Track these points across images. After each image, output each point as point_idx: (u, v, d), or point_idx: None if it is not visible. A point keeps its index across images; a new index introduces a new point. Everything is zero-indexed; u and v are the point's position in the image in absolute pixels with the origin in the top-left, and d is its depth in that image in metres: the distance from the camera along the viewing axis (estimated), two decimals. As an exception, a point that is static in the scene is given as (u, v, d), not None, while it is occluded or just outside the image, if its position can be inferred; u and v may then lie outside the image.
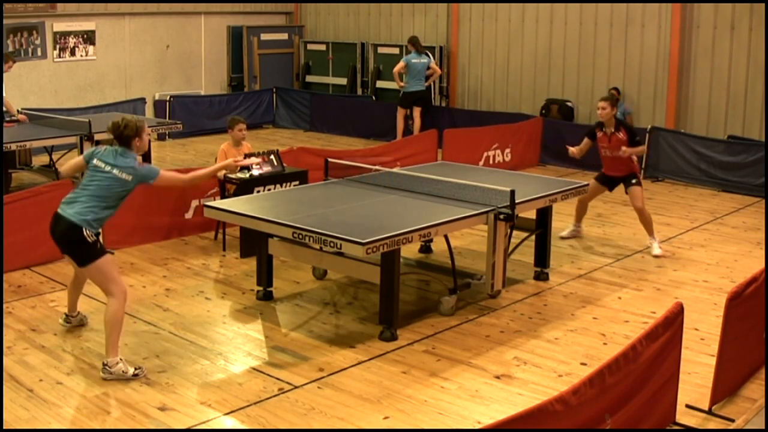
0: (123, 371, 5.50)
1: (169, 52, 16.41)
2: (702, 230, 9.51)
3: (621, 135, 8.50)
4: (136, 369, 5.57)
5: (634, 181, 8.60)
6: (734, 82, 12.54)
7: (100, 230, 5.71)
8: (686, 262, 8.28)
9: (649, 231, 8.60)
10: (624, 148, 8.43)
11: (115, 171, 5.61)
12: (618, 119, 8.65)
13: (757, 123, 12.34)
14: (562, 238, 8.96)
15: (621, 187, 8.79)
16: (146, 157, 11.24)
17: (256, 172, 8.29)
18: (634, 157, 8.68)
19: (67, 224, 5.53)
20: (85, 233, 5.52)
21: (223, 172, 8.48)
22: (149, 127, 11.12)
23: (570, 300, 7.20)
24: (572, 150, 8.93)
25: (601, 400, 4.05)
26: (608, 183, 8.88)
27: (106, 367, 5.51)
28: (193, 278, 7.66)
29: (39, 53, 14.41)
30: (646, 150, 11.71)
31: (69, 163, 6.18)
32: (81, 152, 10.21)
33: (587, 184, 7.98)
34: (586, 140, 8.90)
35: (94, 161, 5.71)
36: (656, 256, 8.39)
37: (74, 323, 6.36)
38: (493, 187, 6.92)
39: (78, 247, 5.56)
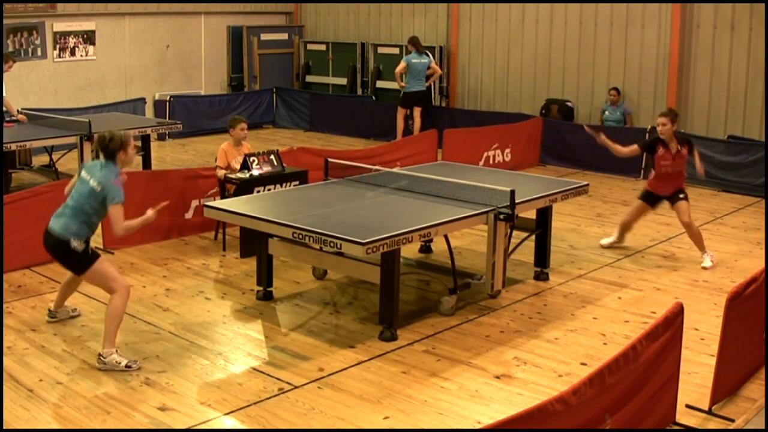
0: (117, 362, 5.63)
1: (169, 52, 16.41)
2: (702, 230, 9.46)
3: (685, 151, 8.19)
4: (129, 361, 5.68)
5: (681, 195, 8.22)
6: (734, 82, 12.54)
7: (89, 236, 5.79)
8: (686, 262, 8.27)
9: (700, 246, 8.21)
10: (698, 164, 8.30)
11: (92, 182, 5.69)
12: (678, 134, 8.30)
13: (757, 123, 12.33)
14: (603, 246, 8.76)
15: (622, 187, 8.75)
16: (146, 158, 11.30)
17: (256, 172, 8.29)
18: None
19: (54, 240, 5.70)
20: (72, 245, 5.65)
21: (223, 171, 8.50)
22: (149, 127, 11.24)
23: (570, 300, 7.20)
24: (608, 142, 8.44)
25: (601, 400, 4.05)
26: (655, 201, 8.49)
27: (101, 357, 5.66)
28: (193, 278, 7.66)
29: (39, 53, 14.41)
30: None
31: (71, 182, 6.20)
32: (81, 152, 10.23)
33: (587, 184, 7.96)
34: (635, 148, 8.47)
35: (82, 173, 5.84)
36: (705, 268, 8.06)
37: (60, 317, 6.44)
38: (493, 187, 6.92)
39: (69, 259, 5.74)
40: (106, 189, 5.63)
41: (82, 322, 6.49)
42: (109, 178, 5.65)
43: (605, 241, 8.87)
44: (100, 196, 5.64)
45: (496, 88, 15.38)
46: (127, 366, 5.63)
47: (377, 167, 8.34)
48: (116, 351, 5.68)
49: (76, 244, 5.65)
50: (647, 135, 12.20)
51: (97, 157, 5.89)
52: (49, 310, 6.49)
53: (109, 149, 5.72)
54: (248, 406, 5.20)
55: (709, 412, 5.10)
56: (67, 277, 6.29)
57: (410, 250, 8.17)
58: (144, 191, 8.69)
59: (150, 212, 5.84)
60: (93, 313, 6.60)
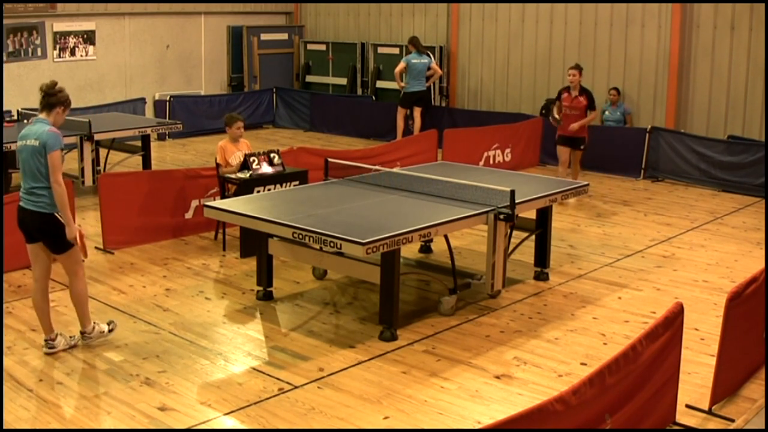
0: (101, 332, 5.94)
1: (169, 52, 16.41)
2: (702, 230, 9.51)
3: (582, 98, 10.51)
4: (109, 324, 6.02)
5: (582, 147, 10.69)
6: (734, 82, 12.54)
7: None
8: (686, 262, 8.28)
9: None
10: (577, 122, 10.51)
11: (30, 141, 5.57)
12: (582, 87, 10.69)
13: (757, 123, 12.33)
14: None
15: (622, 187, 8.76)
16: (146, 158, 11.30)
17: (267, 168, 8.30)
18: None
19: (36, 216, 5.61)
20: (58, 218, 5.62)
21: (222, 169, 8.50)
22: (149, 127, 11.24)
23: (570, 300, 7.21)
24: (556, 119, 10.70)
25: (601, 400, 4.05)
26: (565, 141, 10.73)
27: (86, 335, 5.87)
28: (193, 278, 7.66)
29: (39, 53, 14.41)
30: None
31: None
32: (81, 152, 10.23)
33: (587, 184, 7.96)
34: (556, 104, 10.88)
35: (18, 142, 5.71)
36: None
37: (58, 347, 5.87)
38: (493, 187, 6.92)
39: (55, 233, 5.65)
40: (43, 139, 5.50)
41: (82, 322, 6.49)
42: (44, 129, 5.54)
43: None
44: (41, 149, 5.50)
45: (496, 88, 15.38)
46: (110, 330, 6.00)
47: (377, 167, 8.34)
48: (94, 323, 5.94)
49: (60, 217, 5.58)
50: (647, 135, 12.26)
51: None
52: (45, 340, 5.89)
53: (54, 99, 5.63)
54: (248, 406, 5.20)
55: (709, 412, 5.10)
56: (35, 294, 5.87)
57: (410, 250, 8.17)
58: (144, 191, 8.71)
59: (78, 234, 5.67)
60: (93, 313, 6.57)
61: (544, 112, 14.11)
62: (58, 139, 5.53)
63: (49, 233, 5.68)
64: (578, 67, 10.70)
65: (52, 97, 5.65)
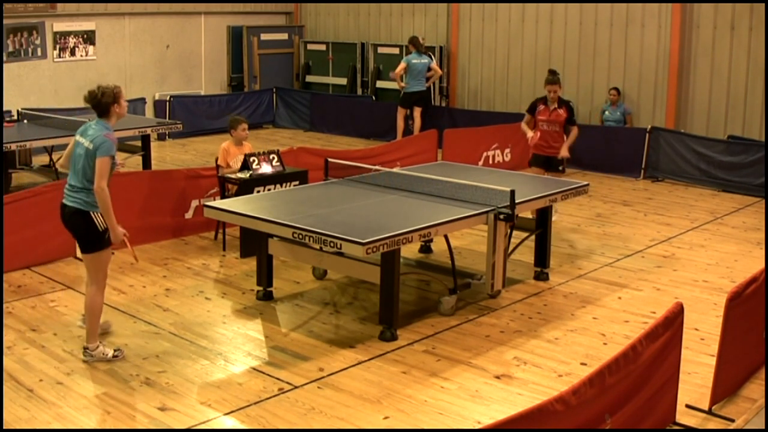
0: (103, 353, 5.72)
1: (169, 52, 16.41)
2: (702, 230, 9.51)
3: (562, 111, 9.19)
4: (115, 351, 5.78)
5: (560, 168, 9.27)
6: (734, 82, 12.54)
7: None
8: (686, 262, 8.28)
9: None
10: (565, 145, 9.22)
11: (86, 142, 5.60)
12: (561, 99, 9.34)
13: (757, 123, 12.33)
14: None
15: (622, 187, 8.75)
16: (146, 158, 11.29)
17: (267, 168, 8.30)
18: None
19: (71, 210, 5.64)
20: (93, 217, 5.60)
21: (223, 170, 8.50)
22: (149, 127, 11.24)
23: (570, 300, 7.21)
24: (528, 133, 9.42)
25: (601, 400, 4.05)
26: (540, 161, 9.43)
27: (88, 351, 5.73)
28: (193, 278, 7.66)
29: (39, 53, 14.41)
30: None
31: (64, 153, 6.09)
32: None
33: (587, 184, 7.96)
34: (527, 117, 9.55)
35: (76, 137, 5.75)
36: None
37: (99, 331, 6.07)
38: (493, 187, 6.92)
39: (87, 232, 5.64)
40: (96, 143, 5.51)
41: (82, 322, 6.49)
42: (101, 133, 5.56)
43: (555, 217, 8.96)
44: (93, 153, 5.52)
45: (496, 88, 15.39)
46: (114, 356, 5.74)
47: (377, 167, 8.34)
48: (99, 343, 5.77)
49: (98, 219, 5.58)
50: (647, 135, 12.25)
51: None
52: (83, 315, 6.16)
53: (103, 104, 5.62)
54: (248, 406, 5.20)
55: (709, 412, 5.10)
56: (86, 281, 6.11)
57: (410, 250, 8.17)
58: (144, 191, 8.71)
59: (122, 236, 5.67)
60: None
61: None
62: (111, 147, 5.54)
63: (80, 229, 5.68)
64: (557, 81, 9.18)
65: (101, 105, 5.64)
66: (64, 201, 5.73)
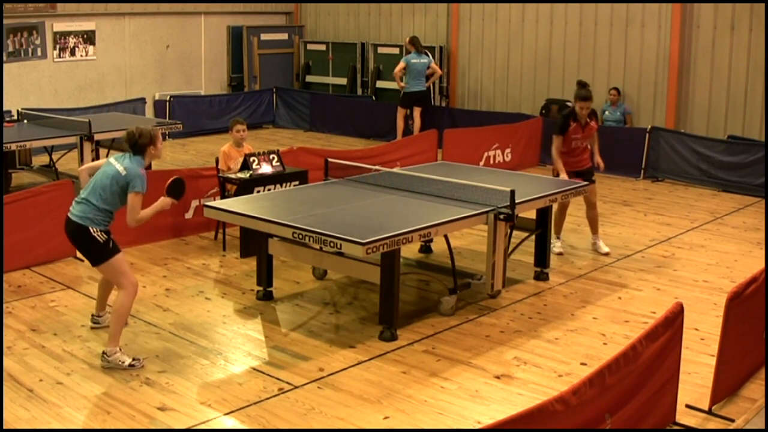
0: (120, 361, 5.65)
1: (169, 52, 16.41)
2: (702, 230, 9.51)
3: (593, 122, 8.39)
4: (133, 360, 5.70)
5: (594, 179, 8.33)
6: (734, 82, 12.54)
7: (108, 225, 5.74)
8: (686, 262, 8.27)
9: (595, 229, 8.55)
10: (596, 154, 8.50)
11: (119, 166, 5.70)
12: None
13: (757, 123, 12.33)
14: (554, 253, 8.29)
15: (622, 187, 8.75)
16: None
17: (266, 168, 8.29)
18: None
19: (73, 226, 5.69)
20: (92, 232, 5.62)
21: (223, 173, 8.50)
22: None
23: (570, 300, 7.20)
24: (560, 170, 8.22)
25: (601, 400, 4.05)
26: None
27: (105, 356, 5.67)
28: (193, 278, 7.66)
29: (39, 53, 14.41)
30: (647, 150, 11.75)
31: (92, 164, 6.22)
32: (81, 152, 10.22)
33: (587, 184, 7.96)
34: (557, 143, 8.24)
35: (110, 158, 5.86)
36: (606, 253, 8.38)
37: (103, 323, 6.31)
38: (493, 187, 6.91)
39: (89, 247, 5.69)
40: (131, 176, 5.63)
41: (82, 322, 6.49)
42: (136, 167, 5.68)
43: (556, 249, 8.38)
44: (123, 181, 5.63)
45: (496, 88, 15.38)
46: (130, 365, 5.65)
47: (377, 167, 8.34)
48: (119, 349, 5.69)
49: (97, 233, 5.62)
50: (647, 135, 12.25)
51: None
52: (92, 315, 6.42)
53: (140, 144, 5.74)
54: (248, 406, 5.20)
55: (709, 412, 5.10)
56: (102, 280, 6.26)
57: (410, 250, 8.17)
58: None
59: (165, 199, 5.82)
60: (90, 308, 6.58)
61: (544, 112, 14.14)
62: (144, 184, 5.64)
63: (82, 245, 5.74)
64: (591, 97, 8.22)
65: (137, 145, 5.74)
66: (69, 215, 5.77)
